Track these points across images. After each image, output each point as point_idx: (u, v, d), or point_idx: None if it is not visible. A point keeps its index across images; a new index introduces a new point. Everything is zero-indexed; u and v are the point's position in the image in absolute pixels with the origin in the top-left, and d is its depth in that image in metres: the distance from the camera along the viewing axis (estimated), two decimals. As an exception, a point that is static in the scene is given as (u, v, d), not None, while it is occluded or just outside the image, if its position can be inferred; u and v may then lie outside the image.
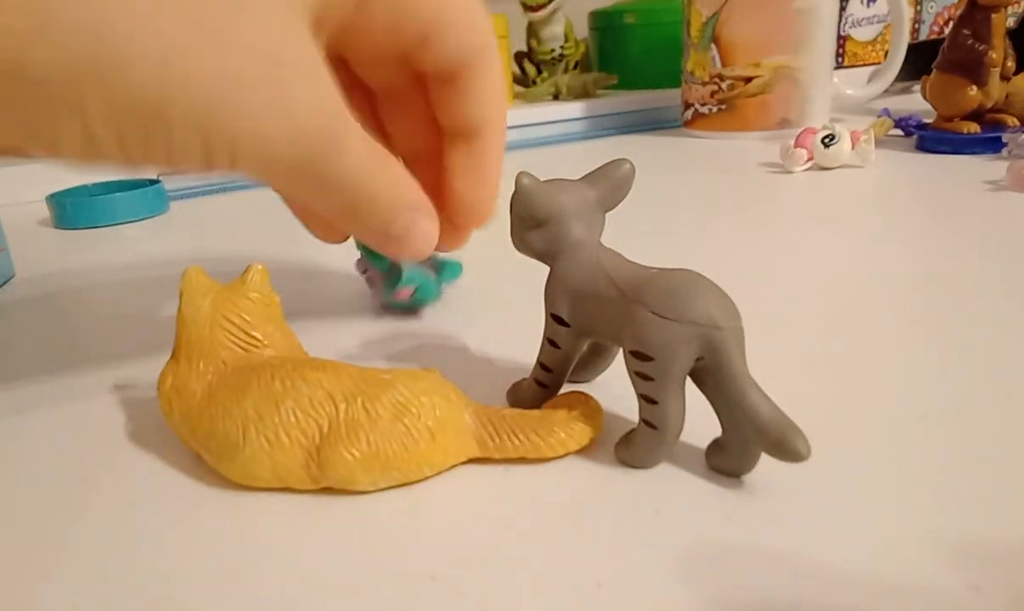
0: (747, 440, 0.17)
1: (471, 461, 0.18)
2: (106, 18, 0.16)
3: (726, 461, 0.17)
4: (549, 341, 0.20)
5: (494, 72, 0.23)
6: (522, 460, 0.18)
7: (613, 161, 0.20)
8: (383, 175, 0.23)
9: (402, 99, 0.26)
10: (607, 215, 0.20)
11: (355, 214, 0.23)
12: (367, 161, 0.22)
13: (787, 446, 0.16)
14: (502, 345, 0.25)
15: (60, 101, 0.17)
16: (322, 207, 0.22)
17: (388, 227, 0.23)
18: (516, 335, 0.26)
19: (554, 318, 0.19)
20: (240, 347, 0.19)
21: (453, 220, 0.25)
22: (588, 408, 0.19)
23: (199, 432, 0.18)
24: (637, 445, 0.18)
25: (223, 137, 0.18)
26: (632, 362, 0.17)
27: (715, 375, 0.17)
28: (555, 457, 0.18)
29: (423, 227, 0.23)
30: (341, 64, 0.25)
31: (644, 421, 0.17)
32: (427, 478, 0.18)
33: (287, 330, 0.21)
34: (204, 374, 0.19)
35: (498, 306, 0.30)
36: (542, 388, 0.20)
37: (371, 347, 0.26)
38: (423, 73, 0.23)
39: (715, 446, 0.18)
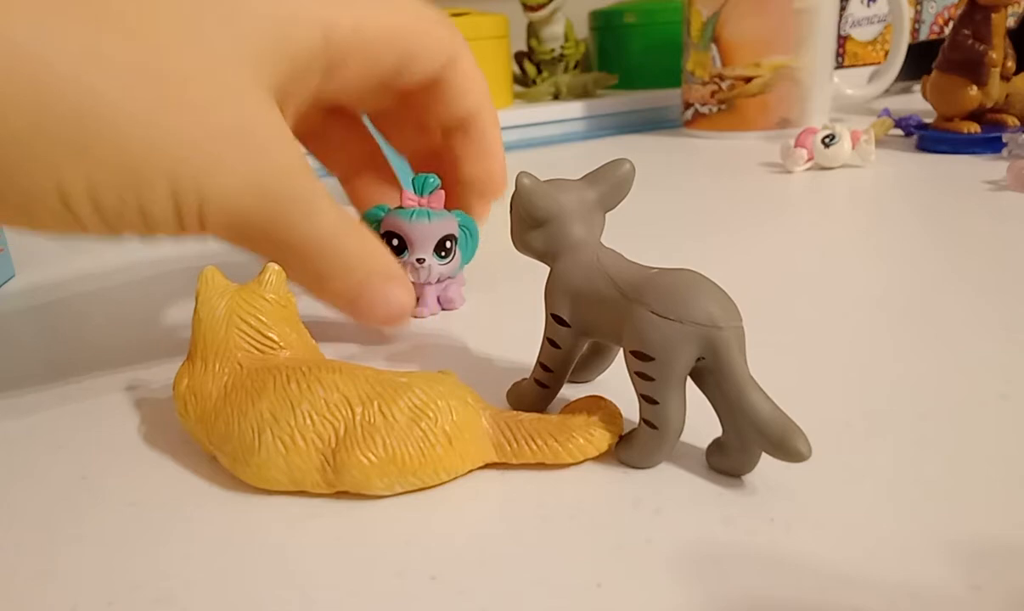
0: (747, 440, 0.17)
1: (486, 466, 0.18)
2: (84, 80, 0.17)
3: (726, 461, 0.17)
4: (549, 341, 0.20)
5: (469, 65, 0.24)
6: (540, 465, 0.18)
7: (613, 161, 0.20)
8: (354, 241, 0.23)
9: (395, 114, 0.28)
10: (607, 215, 0.20)
11: (323, 279, 0.23)
12: (337, 226, 0.22)
13: (788, 446, 0.16)
14: (504, 346, 0.25)
15: (34, 159, 0.17)
16: (291, 273, 0.22)
17: (358, 295, 0.23)
18: (518, 335, 0.26)
19: (554, 318, 0.19)
20: (256, 349, 0.19)
21: (471, 201, 0.27)
22: (607, 413, 0.19)
23: (214, 434, 0.18)
24: (638, 445, 0.18)
25: (192, 192, 0.19)
26: (632, 362, 0.17)
27: (715, 375, 0.17)
28: (574, 463, 0.18)
29: (397, 296, 0.24)
30: (333, 111, 0.27)
31: (645, 421, 0.17)
32: (443, 483, 0.18)
33: (303, 332, 0.21)
34: (220, 376, 0.19)
35: (500, 306, 0.30)
36: (542, 388, 0.20)
37: (380, 349, 0.26)
38: (406, 90, 0.25)
39: (715, 446, 0.18)
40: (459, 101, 0.25)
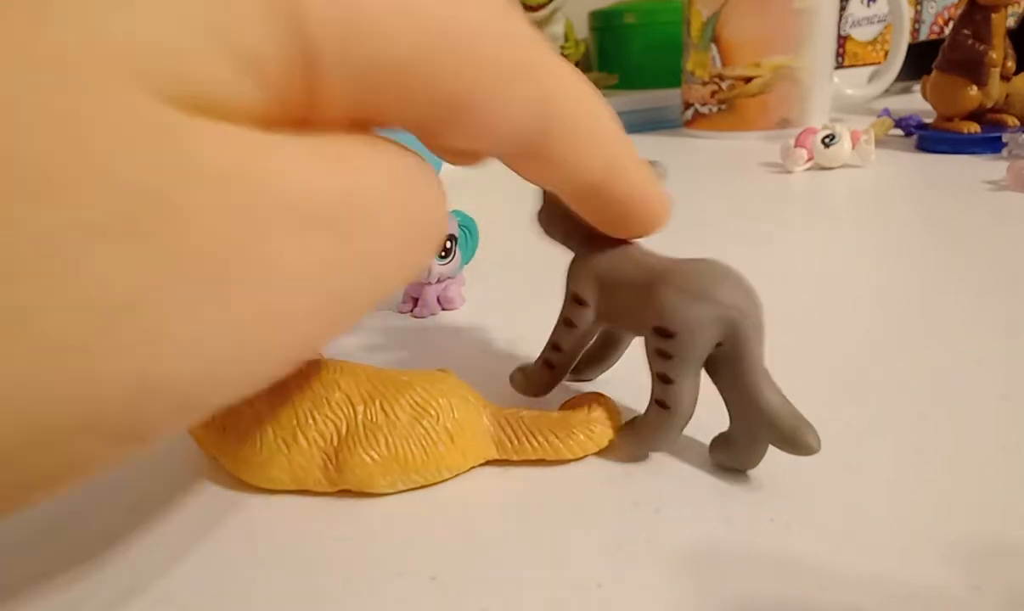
0: (756, 433, 0.17)
1: (487, 463, 0.18)
2: None
3: (732, 456, 0.17)
4: (565, 321, 0.19)
5: (570, 122, 0.14)
6: (541, 462, 0.18)
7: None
8: None
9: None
10: None
11: None
12: None
13: (799, 439, 0.16)
14: (504, 345, 0.25)
15: None
16: None
17: None
18: (517, 335, 0.26)
19: (575, 298, 0.19)
20: None
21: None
22: (606, 409, 0.19)
23: (214, 433, 0.18)
24: (647, 428, 0.18)
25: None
26: (653, 340, 0.17)
27: (732, 361, 0.17)
28: (575, 459, 0.18)
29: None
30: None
31: (657, 402, 0.17)
32: (445, 480, 0.18)
33: None
34: None
35: (500, 306, 0.30)
36: (550, 369, 0.20)
37: (381, 348, 0.26)
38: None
39: (721, 440, 0.18)
40: (566, 173, 0.15)
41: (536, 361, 0.21)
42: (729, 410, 0.17)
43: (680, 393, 0.17)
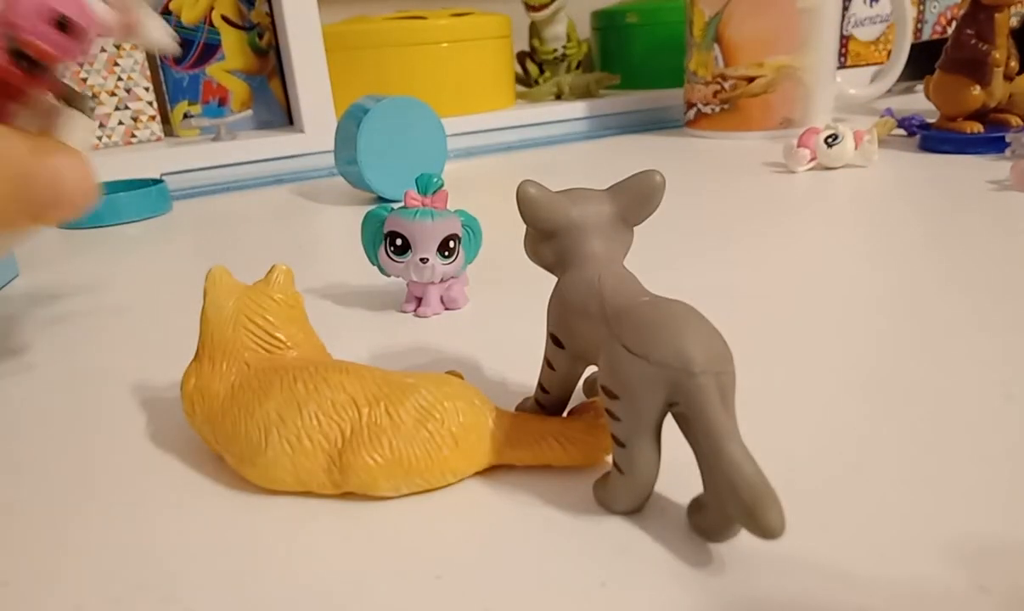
0: (722, 500, 0.14)
1: (492, 467, 0.18)
2: None
3: (704, 521, 0.16)
4: (547, 361, 0.19)
5: None
6: (546, 467, 0.18)
7: (642, 172, 0.18)
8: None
9: None
10: None
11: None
12: None
13: (758, 515, 0.13)
14: (509, 345, 0.26)
15: None
16: None
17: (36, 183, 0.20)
18: (522, 334, 0.26)
19: (551, 337, 0.18)
20: (263, 349, 0.19)
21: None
22: None
23: (221, 434, 0.18)
24: (608, 488, 0.17)
25: None
26: (602, 398, 0.16)
27: (690, 424, 0.15)
28: (578, 465, 0.18)
29: (67, 165, 0.20)
30: None
31: (614, 463, 0.16)
32: (450, 484, 0.18)
33: (311, 332, 0.20)
34: (227, 375, 0.19)
35: (504, 305, 0.30)
36: (543, 410, 0.19)
37: (386, 349, 0.26)
38: None
39: (695, 504, 0.16)
40: None
41: (530, 400, 0.20)
42: (700, 473, 0.15)
43: (632, 457, 0.15)
